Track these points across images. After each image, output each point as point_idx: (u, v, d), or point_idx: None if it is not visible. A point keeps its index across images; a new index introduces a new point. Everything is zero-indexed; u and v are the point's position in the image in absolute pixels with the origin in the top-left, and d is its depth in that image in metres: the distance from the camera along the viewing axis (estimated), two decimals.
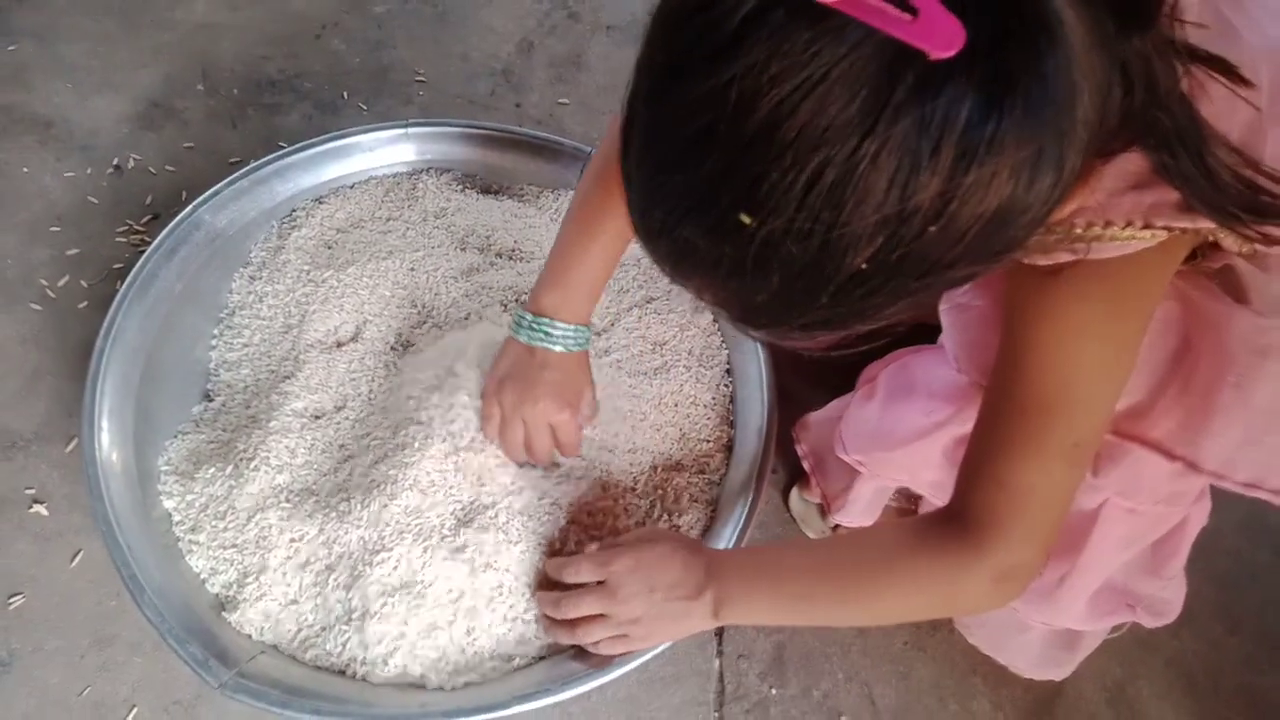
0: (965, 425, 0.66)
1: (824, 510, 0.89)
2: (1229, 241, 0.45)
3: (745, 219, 0.34)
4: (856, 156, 0.31)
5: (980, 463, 0.56)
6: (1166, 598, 0.73)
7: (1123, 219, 0.43)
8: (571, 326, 0.73)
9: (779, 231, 0.33)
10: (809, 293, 0.36)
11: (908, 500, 0.90)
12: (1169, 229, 0.43)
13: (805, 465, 0.88)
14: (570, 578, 0.70)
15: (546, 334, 0.73)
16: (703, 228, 0.35)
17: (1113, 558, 0.67)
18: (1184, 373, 0.57)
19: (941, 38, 0.30)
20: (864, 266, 0.34)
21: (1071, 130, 0.34)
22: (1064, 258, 0.46)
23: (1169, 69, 0.38)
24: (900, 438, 0.71)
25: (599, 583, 0.68)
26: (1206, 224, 0.43)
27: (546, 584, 0.74)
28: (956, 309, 0.67)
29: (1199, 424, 0.57)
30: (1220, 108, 0.41)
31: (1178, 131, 0.40)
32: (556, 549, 0.77)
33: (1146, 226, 0.43)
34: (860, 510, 0.84)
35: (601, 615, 0.68)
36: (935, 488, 0.75)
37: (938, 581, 0.58)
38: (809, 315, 0.37)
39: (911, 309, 0.37)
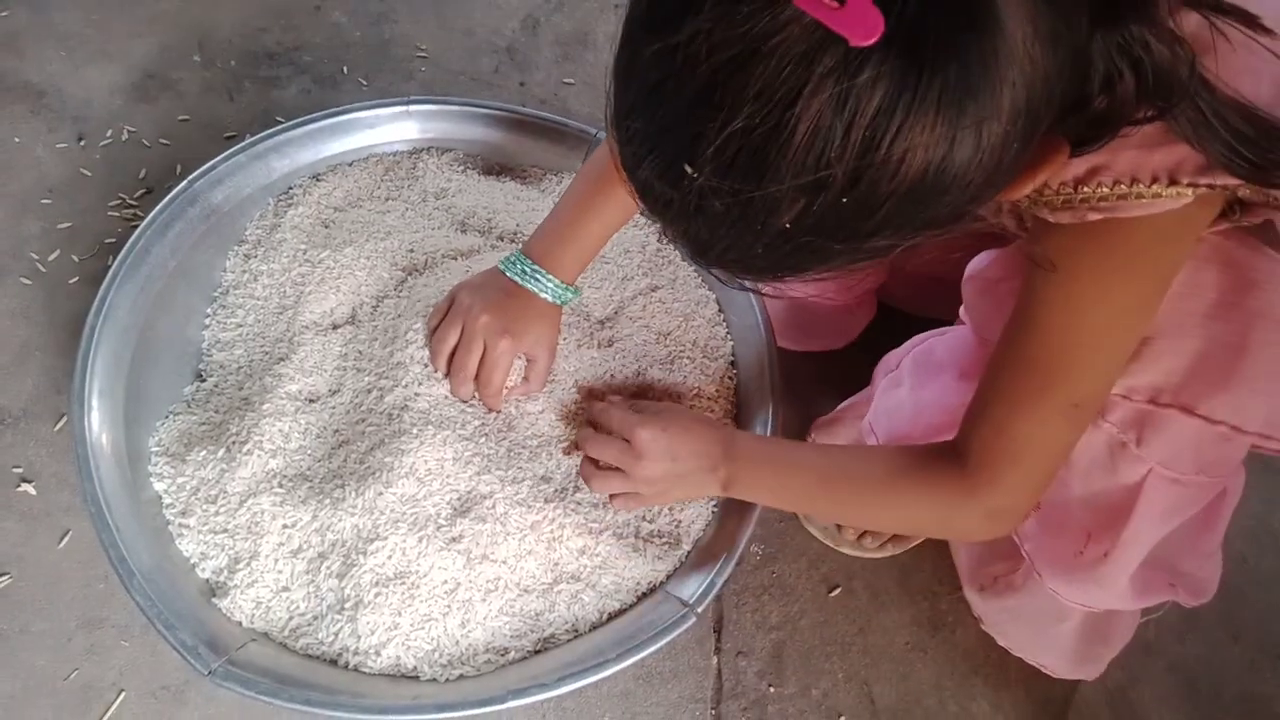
0: None
1: None
2: (1253, 196, 0.47)
3: (688, 169, 0.37)
4: (779, 125, 0.35)
5: (984, 409, 0.59)
6: (1205, 575, 0.72)
7: (1149, 177, 0.45)
8: (559, 280, 0.75)
9: (712, 185, 0.37)
10: (742, 242, 0.39)
11: None
12: (1194, 185, 0.45)
13: None
14: (602, 424, 0.74)
15: (537, 279, 0.74)
16: (656, 171, 0.39)
17: (1156, 531, 0.66)
18: (1224, 335, 0.56)
19: (862, 28, 0.33)
20: (787, 226, 0.37)
21: (994, 118, 0.36)
22: (1091, 217, 0.48)
23: (1172, 48, 0.40)
24: (936, 419, 0.70)
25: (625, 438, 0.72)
26: (1230, 180, 0.45)
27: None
28: (982, 282, 0.66)
29: (1241, 385, 0.56)
30: (1252, 61, 0.42)
31: (1190, 99, 0.42)
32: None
33: (1173, 183, 0.45)
34: None
35: (621, 470, 0.72)
36: None
37: (933, 509, 0.63)
38: (747, 263, 0.41)
39: (851, 268, 0.41)
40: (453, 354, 0.76)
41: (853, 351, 0.96)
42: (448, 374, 0.77)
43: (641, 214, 0.49)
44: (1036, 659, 0.82)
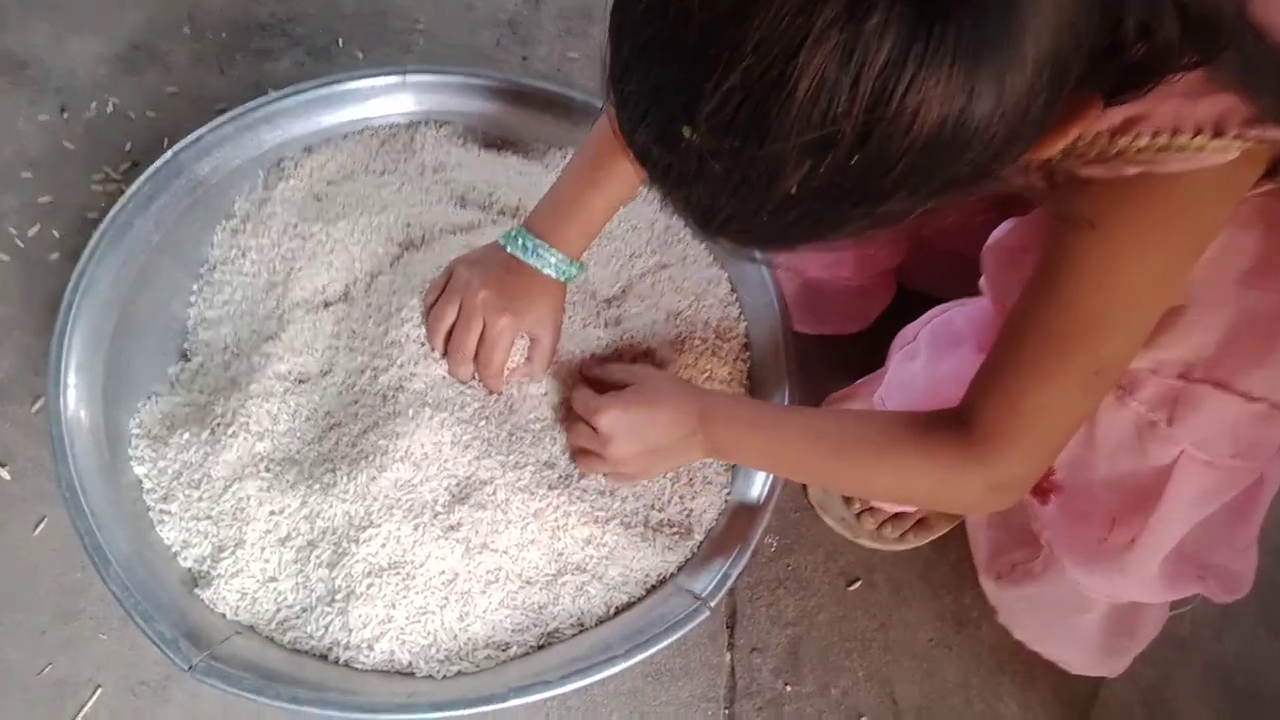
0: None
1: (847, 498, 0.84)
2: None
3: (685, 131, 0.35)
4: (780, 80, 0.32)
5: (995, 378, 0.56)
6: (1239, 569, 0.68)
7: (1191, 128, 0.42)
8: (563, 255, 0.71)
9: (712, 147, 0.35)
10: (746, 208, 0.37)
11: None
12: (1241, 138, 0.42)
13: None
14: (576, 407, 0.72)
15: (539, 254, 0.70)
16: (653, 134, 0.37)
17: (1186, 518, 0.62)
18: (1262, 305, 0.52)
19: None
20: (794, 190, 0.35)
21: (1016, 68, 0.33)
22: (1127, 171, 0.44)
23: None
24: (952, 392, 0.66)
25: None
26: (1277, 134, 0.41)
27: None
28: (1004, 252, 0.62)
29: None
30: None
31: (1236, 45, 0.39)
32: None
33: (1217, 136, 0.42)
34: None
35: (596, 453, 0.70)
36: None
37: (930, 476, 0.60)
38: (753, 232, 0.39)
39: (864, 236, 0.38)
40: (450, 333, 0.72)
41: (869, 336, 0.92)
42: (445, 354, 0.73)
43: (644, 184, 0.46)
44: (1055, 653, 0.78)
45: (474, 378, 0.74)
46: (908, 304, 0.91)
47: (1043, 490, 0.67)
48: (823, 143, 0.33)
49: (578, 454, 0.73)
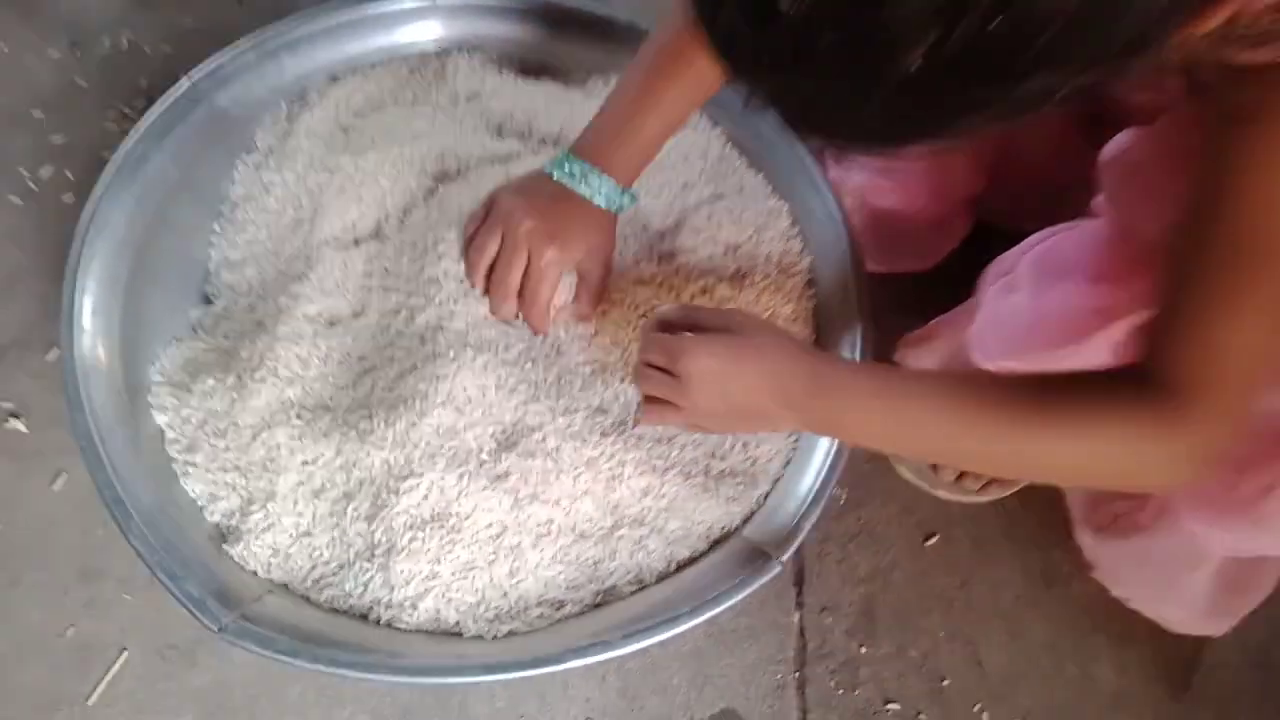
0: (1144, 312, 0.53)
1: None
2: None
3: (781, 3, 0.30)
4: None
5: (1176, 320, 0.47)
6: None
7: None
8: (615, 183, 0.64)
9: (818, 18, 0.30)
10: (859, 94, 0.32)
11: None
12: None
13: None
14: (644, 354, 0.60)
15: (589, 181, 0.64)
16: (741, 13, 0.32)
17: None
18: None
19: None
20: (919, 65, 0.29)
21: None
22: None
23: None
24: (1060, 329, 0.59)
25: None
26: None
27: None
28: (1127, 166, 0.55)
29: None
30: None
31: None
32: None
33: None
34: None
35: (671, 403, 0.60)
36: None
37: (1126, 452, 0.49)
38: (864, 123, 0.34)
39: (988, 129, 0.32)
40: (492, 268, 0.66)
41: (937, 272, 0.85)
42: (486, 290, 0.66)
43: (725, 82, 0.41)
44: (1157, 611, 0.71)
45: (517, 317, 0.68)
46: (982, 238, 0.84)
47: None
48: (955, 4, 0.28)
49: (646, 404, 0.64)
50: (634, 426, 0.67)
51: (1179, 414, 0.47)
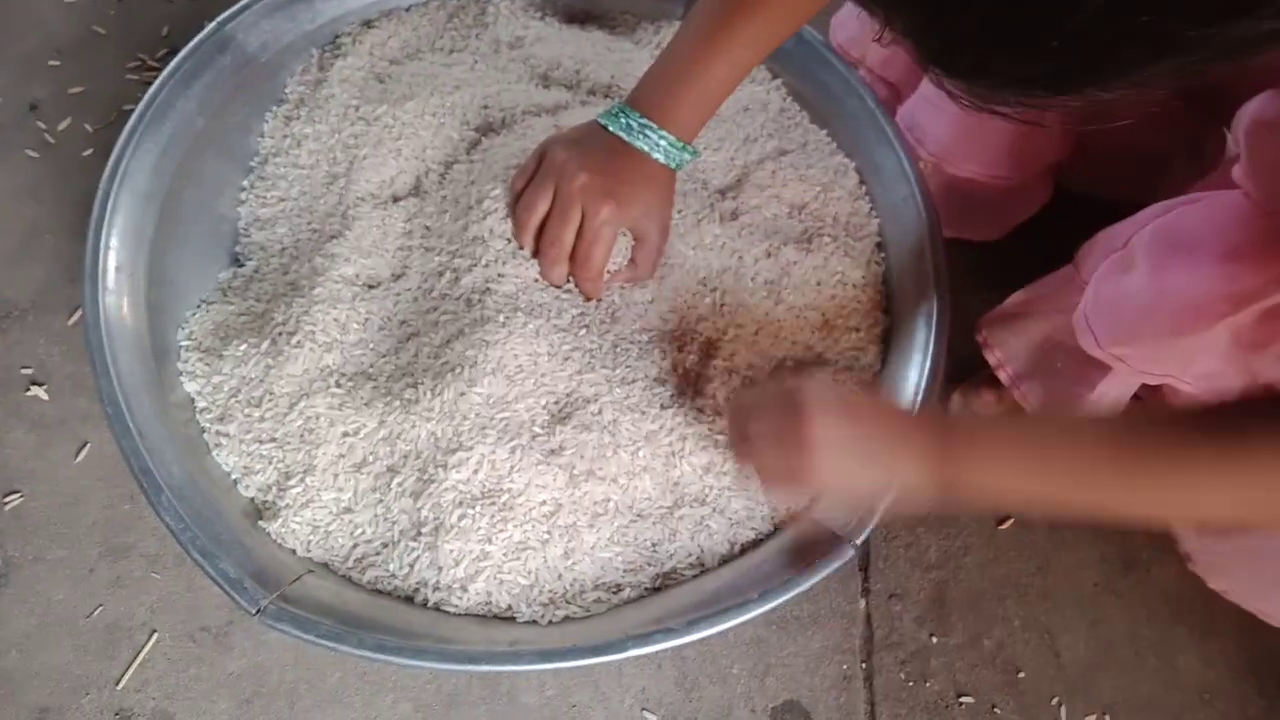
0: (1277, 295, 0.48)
1: None
2: None
3: None
4: None
5: None
6: None
7: None
8: (674, 137, 0.59)
9: None
10: (1030, 30, 0.27)
11: None
12: None
13: (1001, 375, 0.69)
14: (751, 420, 0.55)
15: (647, 135, 0.59)
16: None
17: None
18: None
19: None
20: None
21: None
22: None
23: None
24: (1186, 312, 0.53)
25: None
26: None
27: None
28: (1274, 125, 0.48)
29: None
30: None
31: None
32: None
33: None
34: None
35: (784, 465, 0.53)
36: (1205, 379, 0.56)
37: None
38: (1023, 66, 0.28)
39: (1170, 80, 0.27)
40: (543, 227, 0.60)
41: (1015, 240, 0.79)
42: (536, 252, 0.62)
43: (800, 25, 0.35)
44: (1261, 605, 0.66)
45: (569, 281, 0.63)
46: (1061, 205, 0.79)
47: None
48: None
49: (748, 462, 0.58)
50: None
51: None
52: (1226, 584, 0.66)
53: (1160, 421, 0.46)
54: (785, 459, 0.52)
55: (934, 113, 0.72)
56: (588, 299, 0.64)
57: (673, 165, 0.61)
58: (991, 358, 0.70)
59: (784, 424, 0.51)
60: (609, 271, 0.63)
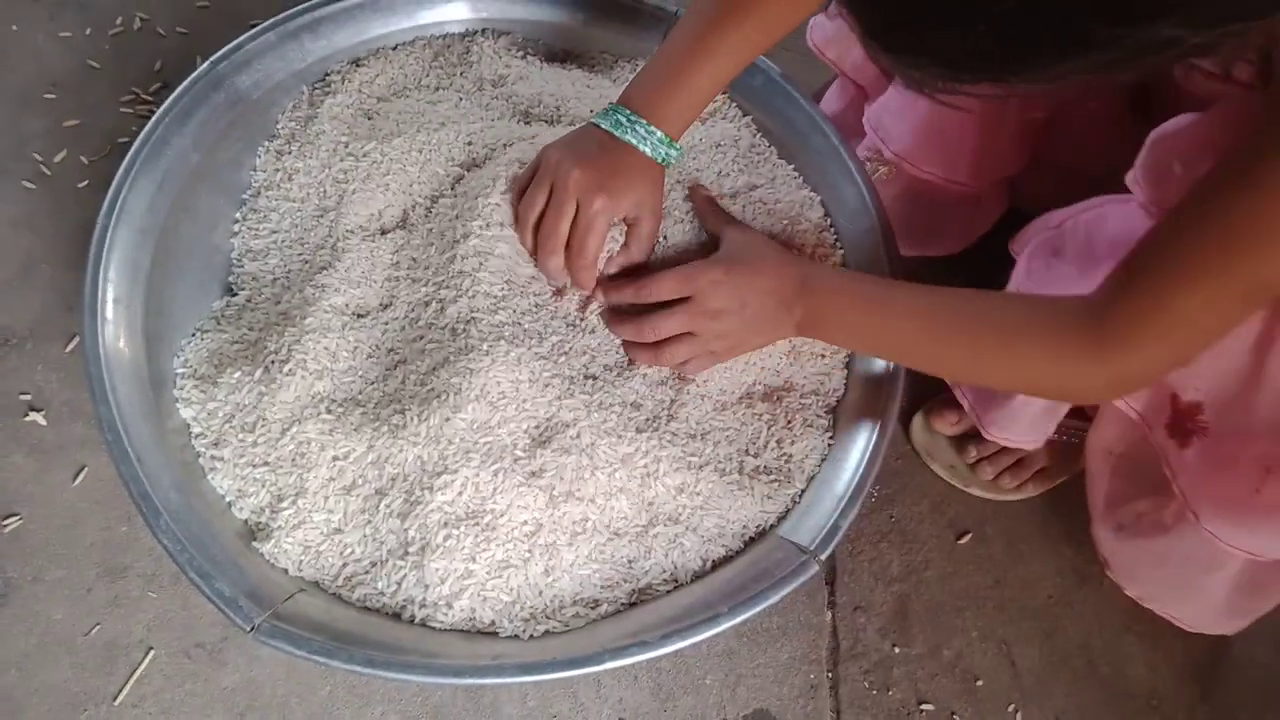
0: None
1: (958, 444, 0.76)
2: None
3: None
4: None
5: (1143, 272, 0.50)
6: None
7: None
8: (662, 134, 0.64)
9: None
10: (964, 8, 0.30)
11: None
12: None
13: (957, 393, 0.73)
14: (652, 297, 0.64)
15: (635, 129, 0.63)
16: None
17: None
18: None
19: None
20: None
21: None
22: None
23: None
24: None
25: (684, 299, 0.64)
26: None
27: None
28: (1178, 144, 0.53)
29: None
30: None
31: None
32: None
33: None
34: (1026, 425, 0.70)
35: (688, 333, 0.64)
36: None
37: (1054, 369, 0.55)
38: (959, 44, 0.31)
39: (1096, 74, 0.31)
40: (540, 223, 0.65)
41: (972, 261, 0.83)
42: (535, 249, 0.66)
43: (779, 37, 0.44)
44: (1172, 610, 0.71)
45: (567, 279, 0.67)
46: (1017, 226, 0.83)
47: (1184, 432, 0.59)
48: None
49: (658, 348, 0.66)
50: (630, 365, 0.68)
51: (1111, 347, 0.51)
52: (1139, 590, 0.70)
53: (968, 300, 0.59)
54: (676, 321, 0.64)
55: (900, 114, 0.76)
56: (581, 289, 0.67)
57: (659, 159, 0.65)
58: (961, 397, 0.74)
59: (682, 281, 0.63)
60: (603, 258, 0.66)
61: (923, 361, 0.63)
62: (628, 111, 0.63)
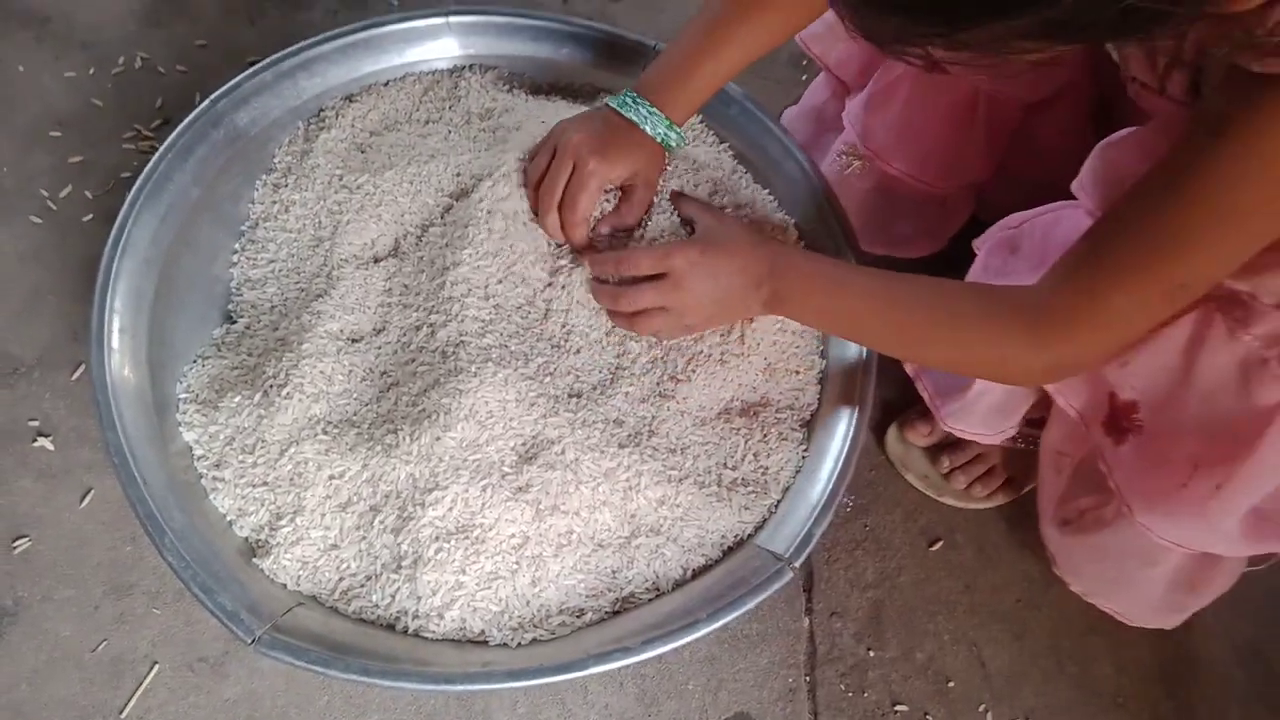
0: None
1: (932, 455, 0.79)
2: None
3: None
4: None
5: (1081, 268, 0.54)
6: None
7: None
8: (666, 118, 0.70)
9: None
10: None
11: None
12: None
13: (927, 400, 0.77)
14: (631, 271, 0.68)
15: (639, 109, 0.69)
16: None
17: (1277, 471, 0.57)
18: None
19: None
20: None
21: None
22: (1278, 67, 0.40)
23: None
24: None
25: (659, 275, 0.67)
26: None
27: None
28: (1120, 152, 0.57)
29: None
30: None
31: None
32: None
33: None
34: (979, 419, 0.73)
35: (661, 307, 0.67)
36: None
37: (994, 354, 0.59)
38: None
39: (1050, 39, 0.35)
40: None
41: (937, 263, 0.87)
42: (535, 205, 0.72)
43: (783, 39, 0.53)
44: (1112, 605, 0.74)
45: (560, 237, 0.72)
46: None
47: (1120, 429, 0.62)
48: None
49: (634, 318, 0.70)
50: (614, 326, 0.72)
51: (1048, 335, 0.55)
52: (1082, 585, 0.73)
53: (925, 288, 0.63)
54: (651, 295, 0.67)
55: (876, 111, 0.81)
56: (572, 245, 0.72)
57: (658, 138, 0.70)
58: (922, 389, 0.77)
59: (658, 258, 0.67)
60: (595, 217, 0.72)
61: (878, 341, 0.69)
62: (635, 94, 0.69)
